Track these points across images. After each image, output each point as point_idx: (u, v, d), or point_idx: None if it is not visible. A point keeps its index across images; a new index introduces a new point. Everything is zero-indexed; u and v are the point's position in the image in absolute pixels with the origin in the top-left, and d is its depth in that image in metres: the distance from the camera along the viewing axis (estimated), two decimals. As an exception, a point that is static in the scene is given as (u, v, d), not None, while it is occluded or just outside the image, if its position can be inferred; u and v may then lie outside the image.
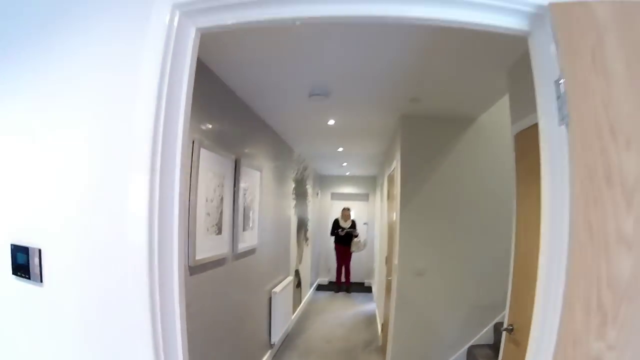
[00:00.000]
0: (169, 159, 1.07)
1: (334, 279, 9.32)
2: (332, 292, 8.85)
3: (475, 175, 3.80)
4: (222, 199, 3.08)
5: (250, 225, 3.76)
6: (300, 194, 6.71)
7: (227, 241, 3.18)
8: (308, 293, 7.87)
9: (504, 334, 2.32)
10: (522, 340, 2.09)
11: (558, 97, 0.98)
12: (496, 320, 3.69)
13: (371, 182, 9.84)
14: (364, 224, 9.79)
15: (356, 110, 3.84)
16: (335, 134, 4.89)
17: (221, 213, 3.07)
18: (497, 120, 3.75)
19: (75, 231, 1.16)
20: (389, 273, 4.49)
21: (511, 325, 2.24)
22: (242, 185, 3.49)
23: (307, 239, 7.48)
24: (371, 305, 7.63)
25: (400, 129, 3.87)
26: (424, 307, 3.75)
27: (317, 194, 9.15)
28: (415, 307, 3.75)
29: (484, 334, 3.72)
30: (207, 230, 2.82)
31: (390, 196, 4.87)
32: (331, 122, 4.21)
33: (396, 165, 3.97)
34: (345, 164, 7.59)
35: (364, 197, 10.01)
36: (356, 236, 8.69)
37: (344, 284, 8.96)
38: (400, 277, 3.73)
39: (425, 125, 3.82)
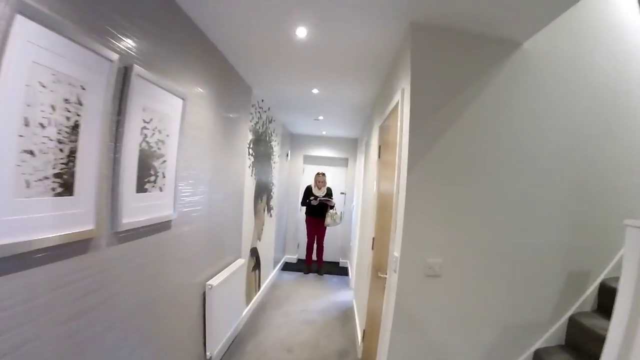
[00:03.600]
0: None
1: (303, 256, 7.93)
2: (301, 273, 7.46)
3: (523, 126, 2.39)
4: (76, 127, 1.56)
5: (160, 184, 2.25)
6: (262, 152, 5.19)
7: (90, 209, 1.67)
8: (270, 275, 6.45)
9: None
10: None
11: None
12: (537, 345, 2.44)
13: (351, 145, 8.35)
14: (341, 193, 8.37)
15: (339, 11, 2.32)
16: (308, 63, 3.35)
17: (73, 154, 1.55)
18: (554, 53, 2.46)
19: None
20: (379, 266, 3.06)
21: None
22: (138, 113, 1.97)
23: (270, 209, 6.00)
24: (347, 294, 6.27)
25: (410, 45, 2.34)
26: (435, 324, 2.36)
27: (287, 155, 7.62)
28: (422, 325, 2.35)
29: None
30: (27, 185, 1.34)
31: (384, 155, 3.41)
32: (301, 32, 2.67)
33: (400, 101, 2.48)
34: (321, 117, 6.05)
35: (343, 162, 8.53)
36: (332, 207, 7.25)
37: (315, 263, 7.57)
38: (403, 277, 2.29)
39: (446, 42, 2.32)
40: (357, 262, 5.65)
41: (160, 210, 2.29)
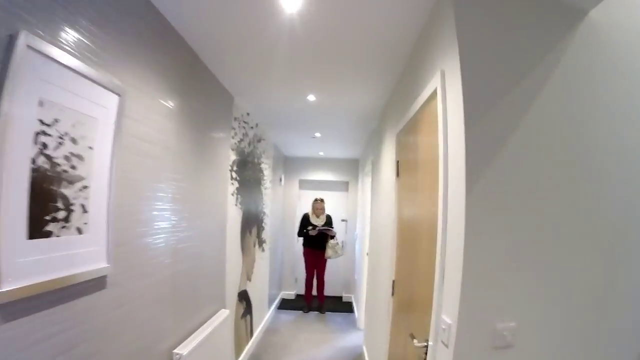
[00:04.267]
0: None
1: (302, 291, 7.07)
2: (301, 312, 6.56)
3: (601, 120, 1.61)
4: None
5: (77, 222, 1.45)
6: (250, 176, 4.40)
7: None
8: (265, 317, 5.58)
9: None
10: None
11: None
12: None
13: (352, 167, 7.59)
14: (342, 220, 7.57)
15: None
16: (300, 52, 2.61)
17: None
18: (622, 25, 1.71)
19: None
20: (410, 327, 2.21)
21: None
22: (29, 108, 1.19)
23: (262, 242, 5.17)
24: (355, 337, 5.38)
25: (452, 4, 1.61)
26: None
27: (280, 179, 6.83)
28: None
29: None
30: None
31: (407, 173, 2.65)
32: (293, 3, 1.94)
33: (439, 89, 1.72)
34: (318, 134, 5.29)
35: (343, 185, 7.74)
36: (333, 237, 6.42)
37: (317, 300, 6.69)
38: (461, 352, 1.48)
39: (498, 6, 1.58)
40: (367, 298, 4.82)
41: (81, 263, 1.47)
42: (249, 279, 4.40)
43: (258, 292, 4.96)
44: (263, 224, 5.18)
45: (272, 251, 5.99)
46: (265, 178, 5.23)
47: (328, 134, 5.30)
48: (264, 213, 5.24)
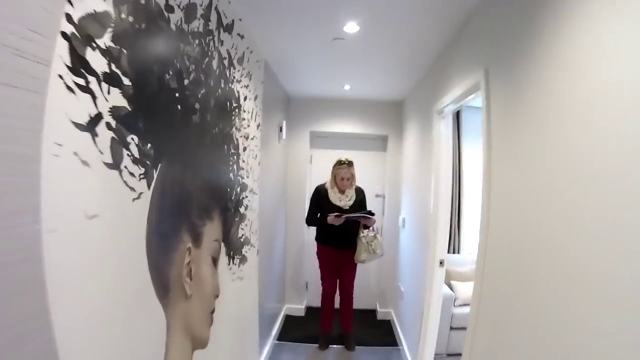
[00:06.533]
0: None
1: (314, 302, 4.57)
2: (315, 346, 4.00)
3: None
4: None
5: None
6: (190, 89, 1.74)
7: None
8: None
9: None
10: None
11: None
12: None
13: (393, 114, 4.78)
14: (377, 196, 4.93)
15: None
16: None
17: None
18: None
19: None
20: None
21: None
22: None
23: (238, 251, 2.53)
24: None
25: None
26: None
27: (281, 129, 4.09)
28: None
29: None
30: None
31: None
32: None
33: None
34: (354, 25, 2.56)
35: (379, 143, 5.02)
36: (368, 227, 3.81)
37: (341, 326, 4.11)
38: None
39: None
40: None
41: None
42: (200, 345, 1.82)
43: (231, 347, 2.40)
44: (241, 209, 2.55)
45: (265, 251, 3.40)
46: (244, 112, 2.57)
47: (375, 25, 2.58)
48: (244, 186, 2.61)
